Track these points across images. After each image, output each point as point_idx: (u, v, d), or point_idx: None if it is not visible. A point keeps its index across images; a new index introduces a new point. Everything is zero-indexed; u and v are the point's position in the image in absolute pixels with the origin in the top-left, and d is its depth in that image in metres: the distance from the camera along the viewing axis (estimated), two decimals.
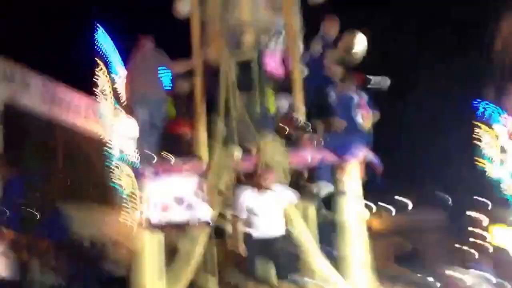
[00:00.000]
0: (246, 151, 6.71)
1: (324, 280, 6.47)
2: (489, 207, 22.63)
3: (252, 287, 6.73)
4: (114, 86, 16.11)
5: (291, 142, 7.02)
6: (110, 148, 15.79)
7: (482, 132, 20.11)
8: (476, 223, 30.39)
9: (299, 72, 7.42)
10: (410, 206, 32.88)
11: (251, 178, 6.47)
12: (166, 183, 6.62)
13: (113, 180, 15.56)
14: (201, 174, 6.60)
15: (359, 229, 6.67)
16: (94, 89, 15.48)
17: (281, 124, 7.11)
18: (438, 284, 15.17)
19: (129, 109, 16.27)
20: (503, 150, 19.45)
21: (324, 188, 6.94)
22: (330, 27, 8.17)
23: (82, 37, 16.02)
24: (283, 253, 6.36)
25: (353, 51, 8.30)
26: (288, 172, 6.49)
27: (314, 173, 6.98)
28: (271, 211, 6.27)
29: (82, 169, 16.15)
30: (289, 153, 6.66)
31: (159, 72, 7.40)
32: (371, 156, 6.96)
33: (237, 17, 7.64)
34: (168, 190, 6.56)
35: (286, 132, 7.04)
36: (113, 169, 15.69)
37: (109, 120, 15.91)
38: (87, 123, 16.16)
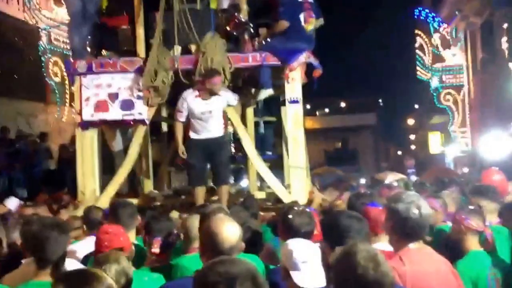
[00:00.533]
0: (185, 49, 6.43)
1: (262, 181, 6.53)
2: (423, 113, 23.38)
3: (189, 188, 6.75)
4: None
5: (232, 42, 6.80)
6: (39, 36, 15.01)
7: (419, 39, 20.40)
8: (407, 126, 31.74)
9: None
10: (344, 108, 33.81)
11: (192, 79, 6.24)
12: (100, 79, 6.27)
13: (44, 72, 14.93)
14: (138, 70, 6.29)
15: (298, 133, 6.66)
16: None
17: (222, 22, 6.83)
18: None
19: None
20: (438, 57, 19.90)
21: (264, 91, 6.86)
22: None
23: None
24: (221, 155, 6.32)
25: None
26: (229, 72, 6.29)
27: (254, 75, 6.84)
28: (214, 115, 6.15)
29: (9, 59, 15.23)
30: (229, 52, 6.42)
31: None
32: (312, 59, 6.87)
33: None
34: (103, 86, 6.24)
35: (228, 31, 6.78)
36: (44, 59, 15.01)
37: (38, 6, 14.96)
38: (11, 8, 15.00)
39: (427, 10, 19.76)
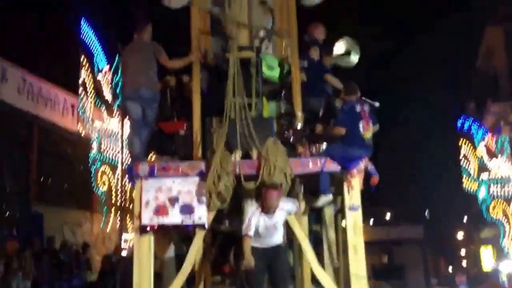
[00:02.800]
0: (246, 154, 6.47)
1: None
2: (471, 225, 22.78)
3: None
4: (96, 83, 15.80)
5: (290, 148, 6.84)
6: (90, 146, 15.49)
7: (463, 148, 20.28)
8: (456, 240, 30.69)
9: (298, 77, 7.27)
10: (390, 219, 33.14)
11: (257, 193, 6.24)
12: (161, 182, 6.28)
13: (93, 181, 15.21)
14: (200, 175, 6.31)
15: (358, 240, 6.49)
16: (76, 85, 15.17)
17: (280, 129, 6.92)
18: None
19: (112, 106, 16.22)
20: (484, 167, 19.61)
21: (323, 198, 6.79)
22: (320, 33, 8.27)
23: (66, 31, 15.66)
24: (280, 263, 6.18)
25: (353, 56, 8.37)
26: (290, 178, 6.25)
27: (313, 181, 6.80)
28: (277, 227, 6.17)
29: (59, 168, 15.68)
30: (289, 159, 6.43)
31: (154, 67, 7.03)
32: (370, 166, 6.86)
33: (233, 16, 7.48)
34: (163, 189, 6.24)
35: (284, 137, 6.85)
36: (93, 169, 15.35)
37: (91, 117, 15.56)
38: (66, 119, 15.68)
39: (470, 120, 19.81)
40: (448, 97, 21.99)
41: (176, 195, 6.23)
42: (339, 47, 8.53)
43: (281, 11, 8.32)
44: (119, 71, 16.02)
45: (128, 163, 15.41)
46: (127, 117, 7.16)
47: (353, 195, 6.56)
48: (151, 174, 6.31)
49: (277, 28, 8.16)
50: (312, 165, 6.50)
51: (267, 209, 6.05)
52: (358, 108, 6.77)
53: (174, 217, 6.21)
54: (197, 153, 6.72)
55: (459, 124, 19.95)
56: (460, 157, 20.23)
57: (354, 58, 8.48)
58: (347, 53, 8.49)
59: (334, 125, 6.92)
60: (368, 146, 6.81)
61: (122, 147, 15.55)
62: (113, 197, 15.83)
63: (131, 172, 6.44)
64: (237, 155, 6.38)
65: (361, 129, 6.71)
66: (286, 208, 6.24)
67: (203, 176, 6.24)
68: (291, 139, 6.89)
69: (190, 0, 7.38)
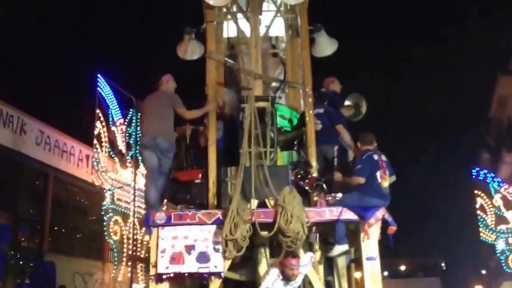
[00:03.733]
0: (262, 202, 6.47)
1: None
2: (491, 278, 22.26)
3: None
4: (111, 135, 16.01)
5: (305, 196, 6.82)
6: (103, 196, 15.54)
7: (479, 199, 20.04)
8: None
9: (313, 127, 7.33)
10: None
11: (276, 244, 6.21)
12: (177, 230, 6.30)
13: (105, 230, 15.18)
14: (216, 223, 6.31)
15: None
16: (91, 137, 15.38)
17: (295, 178, 6.92)
18: None
19: (125, 158, 16.35)
20: (502, 218, 19.33)
21: (338, 248, 6.73)
22: (336, 86, 8.48)
23: (83, 86, 16.04)
24: None
25: (361, 110, 8.52)
26: (306, 227, 6.20)
27: (328, 230, 6.75)
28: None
29: (73, 218, 15.73)
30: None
31: (171, 117, 7.16)
32: (388, 216, 6.82)
33: (248, 67, 7.66)
34: (179, 237, 6.25)
35: (300, 186, 6.85)
36: (106, 219, 15.35)
37: (104, 168, 15.67)
38: (80, 170, 15.86)
39: (485, 171, 19.68)
40: (462, 147, 21.97)
41: (192, 244, 6.23)
42: (348, 101, 8.68)
43: (292, 63, 8.51)
44: (133, 123, 16.31)
45: (142, 212, 15.48)
46: (143, 165, 7.21)
47: (370, 245, 6.50)
48: (168, 223, 6.32)
49: (290, 79, 8.36)
50: (328, 214, 6.50)
51: (288, 277, 6.01)
52: (375, 157, 6.80)
53: (190, 266, 6.18)
54: (212, 202, 6.72)
55: (474, 175, 19.79)
56: (477, 208, 19.96)
57: (362, 112, 8.61)
58: (356, 107, 8.62)
59: (353, 174, 6.92)
60: (385, 196, 6.80)
61: (134, 197, 15.59)
62: (125, 246, 15.75)
63: (148, 221, 6.44)
64: (253, 203, 6.38)
65: (379, 178, 6.74)
66: (305, 271, 6.24)
67: (219, 224, 6.24)
68: (307, 187, 6.87)
69: (208, 53, 7.55)
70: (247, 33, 8.17)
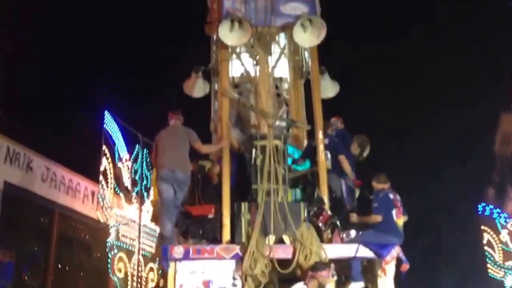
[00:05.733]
0: (279, 238, 6.49)
1: None
2: None
3: None
4: (116, 172, 16.02)
5: (318, 234, 6.85)
6: (108, 233, 15.45)
7: (486, 235, 19.91)
8: None
9: (324, 165, 7.39)
10: None
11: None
12: (195, 265, 6.32)
13: (109, 267, 15.03)
14: (234, 257, 6.27)
15: None
16: (97, 174, 15.38)
17: (309, 215, 6.96)
18: None
19: (130, 194, 16.33)
20: (509, 254, 19.16)
21: (354, 285, 6.73)
22: (342, 123, 8.73)
23: (89, 122, 16.18)
24: None
25: (364, 152, 8.60)
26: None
27: (344, 267, 6.74)
28: None
29: (77, 254, 15.62)
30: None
31: (188, 151, 7.26)
32: (401, 254, 6.90)
33: (258, 108, 7.77)
34: (197, 272, 6.25)
35: (314, 223, 6.88)
36: (110, 256, 15.21)
37: (110, 204, 15.63)
38: (86, 206, 15.82)
39: (491, 206, 19.59)
40: (467, 183, 21.95)
41: (210, 278, 6.23)
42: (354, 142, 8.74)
43: (296, 103, 8.63)
44: (139, 159, 16.37)
45: (147, 249, 15.37)
46: (159, 198, 7.23)
47: (386, 283, 6.53)
48: (186, 257, 6.31)
49: (293, 118, 8.47)
50: (345, 251, 6.52)
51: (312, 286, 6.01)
52: (391, 196, 6.93)
53: None
54: (227, 237, 6.70)
55: (480, 210, 19.72)
56: (484, 244, 19.81)
57: (365, 153, 8.67)
58: (360, 148, 8.68)
59: (371, 213, 7.06)
60: (400, 234, 7.01)
61: (140, 234, 15.49)
62: (129, 284, 15.55)
63: (166, 255, 6.42)
64: (271, 239, 6.40)
65: (394, 217, 6.85)
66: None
67: (238, 259, 6.25)
68: (320, 224, 6.91)
69: (223, 91, 7.64)
70: (252, 72, 8.33)
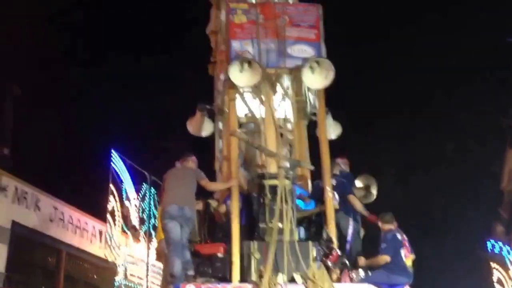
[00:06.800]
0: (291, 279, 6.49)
1: None
2: None
3: None
4: (124, 210, 16.06)
5: (329, 273, 6.83)
6: (115, 272, 15.40)
7: (496, 272, 19.72)
8: None
9: (331, 204, 7.42)
10: None
11: None
12: None
13: None
14: None
15: None
16: (104, 213, 15.43)
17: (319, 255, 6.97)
18: None
19: (138, 232, 16.32)
20: None
21: None
22: (345, 164, 8.63)
23: (97, 161, 16.33)
24: None
25: (372, 191, 8.61)
26: None
27: None
28: None
29: None
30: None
31: (195, 190, 7.32)
32: None
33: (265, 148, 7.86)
34: None
35: (324, 262, 6.88)
36: None
37: (117, 243, 15.62)
38: (93, 246, 15.80)
39: (500, 244, 19.46)
40: (475, 220, 21.84)
41: None
42: (358, 183, 8.78)
43: (299, 144, 8.71)
44: (146, 198, 16.43)
45: None
46: (166, 236, 7.22)
47: None
48: None
49: (296, 156, 8.52)
50: None
51: None
52: (399, 236, 6.98)
53: None
54: (236, 275, 6.71)
55: (489, 248, 19.60)
56: (494, 281, 19.60)
57: (373, 192, 8.70)
58: (366, 188, 8.71)
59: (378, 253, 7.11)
60: (410, 274, 7.07)
61: (147, 272, 15.44)
62: None
63: None
64: (283, 278, 6.40)
65: (403, 256, 6.87)
66: None
67: None
68: (330, 264, 6.89)
69: (232, 131, 7.72)
70: (257, 112, 8.45)
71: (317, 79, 7.69)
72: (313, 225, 7.68)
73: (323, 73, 7.63)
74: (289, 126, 9.12)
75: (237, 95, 8.38)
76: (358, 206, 7.96)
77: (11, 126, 15.11)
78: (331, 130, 8.83)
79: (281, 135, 9.21)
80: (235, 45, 7.89)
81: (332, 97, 8.43)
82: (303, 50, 7.91)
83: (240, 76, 7.57)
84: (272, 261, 6.43)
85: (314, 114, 8.74)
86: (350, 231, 7.71)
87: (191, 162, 7.68)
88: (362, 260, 7.25)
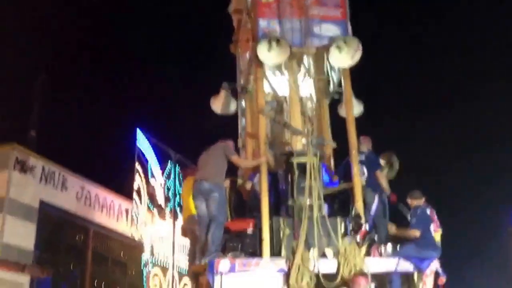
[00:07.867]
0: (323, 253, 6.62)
1: None
2: None
3: None
4: (150, 189, 16.25)
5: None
6: (142, 249, 15.65)
7: None
8: None
9: (359, 182, 7.44)
10: None
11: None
12: (240, 278, 6.40)
13: (145, 284, 15.20)
14: (281, 271, 6.41)
15: None
16: (130, 191, 15.64)
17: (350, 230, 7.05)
18: None
19: (164, 210, 16.53)
20: None
21: None
22: (370, 142, 8.59)
23: (122, 140, 16.52)
24: None
25: (394, 166, 8.64)
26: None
27: (384, 281, 6.80)
28: None
29: (112, 271, 15.84)
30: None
31: (220, 164, 7.36)
32: (439, 267, 6.95)
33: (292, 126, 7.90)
34: (243, 286, 6.36)
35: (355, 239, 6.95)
36: (145, 272, 15.39)
37: (143, 221, 15.85)
38: (120, 224, 16.07)
39: None
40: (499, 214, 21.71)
41: None
42: (381, 161, 8.81)
43: (321, 122, 8.71)
44: (171, 176, 16.58)
45: (180, 266, 15.48)
46: (196, 214, 7.34)
47: None
48: (231, 270, 6.41)
49: (318, 134, 8.54)
50: (386, 265, 6.63)
51: None
52: (428, 212, 7.05)
53: None
54: (266, 251, 6.82)
55: None
56: None
57: (396, 167, 8.73)
58: (389, 165, 8.74)
59: (409, 228, 7.20)
60: (438, 248, 7.14)
61: (174, 249, 15.65)
62: None
63: (212, 268, 6.50)
64: (315, 254, 6.49)
65: (432, 231, 7.04)
66: None
67: (283, 273, 6.38)
68: (358, 240, 6.96)
69: (261, 109, 7.73)
70: (282, 91, 8.43)
71: (344, 58, 7.67)
72: (336, 201, 7.74)
73: (350, 52, 7.60)
74: (310, 104, 9.14)
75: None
76: (384, 183, 8.04)
77: (38, 110, 15.31)
78: (354, 108, 8.80)
79: (303, 112, 9.25)
80: (263, 23, 7.88)
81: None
82: (328, 29, 7.87)
83: (268, 54, 7.57)
84: (304, 236, 6.52)
85: (336, 92, 8.71)
86: (374, 207, 7.76)
87: (226, 142, 7.71)
88: (392, 228, 7.41)
